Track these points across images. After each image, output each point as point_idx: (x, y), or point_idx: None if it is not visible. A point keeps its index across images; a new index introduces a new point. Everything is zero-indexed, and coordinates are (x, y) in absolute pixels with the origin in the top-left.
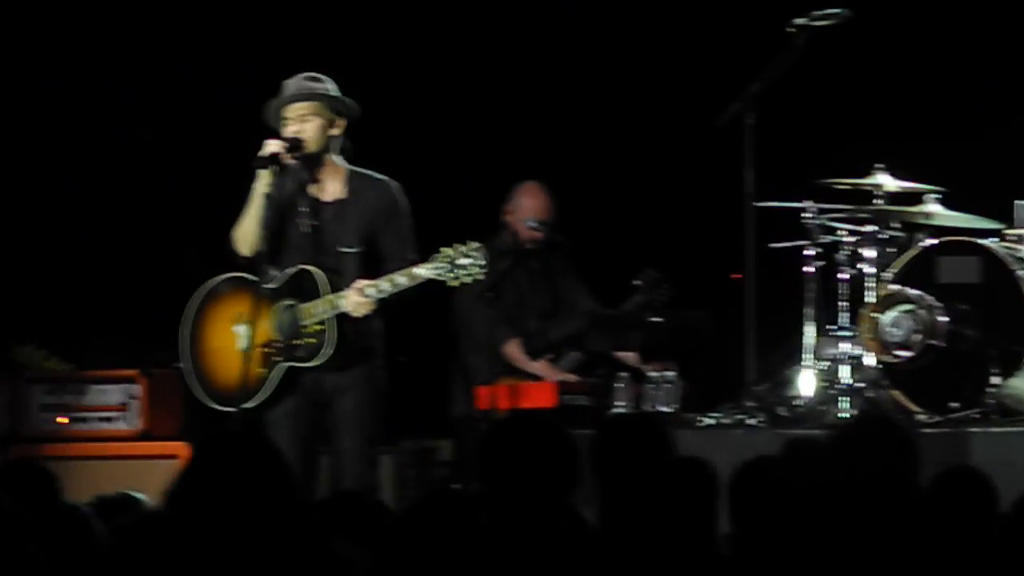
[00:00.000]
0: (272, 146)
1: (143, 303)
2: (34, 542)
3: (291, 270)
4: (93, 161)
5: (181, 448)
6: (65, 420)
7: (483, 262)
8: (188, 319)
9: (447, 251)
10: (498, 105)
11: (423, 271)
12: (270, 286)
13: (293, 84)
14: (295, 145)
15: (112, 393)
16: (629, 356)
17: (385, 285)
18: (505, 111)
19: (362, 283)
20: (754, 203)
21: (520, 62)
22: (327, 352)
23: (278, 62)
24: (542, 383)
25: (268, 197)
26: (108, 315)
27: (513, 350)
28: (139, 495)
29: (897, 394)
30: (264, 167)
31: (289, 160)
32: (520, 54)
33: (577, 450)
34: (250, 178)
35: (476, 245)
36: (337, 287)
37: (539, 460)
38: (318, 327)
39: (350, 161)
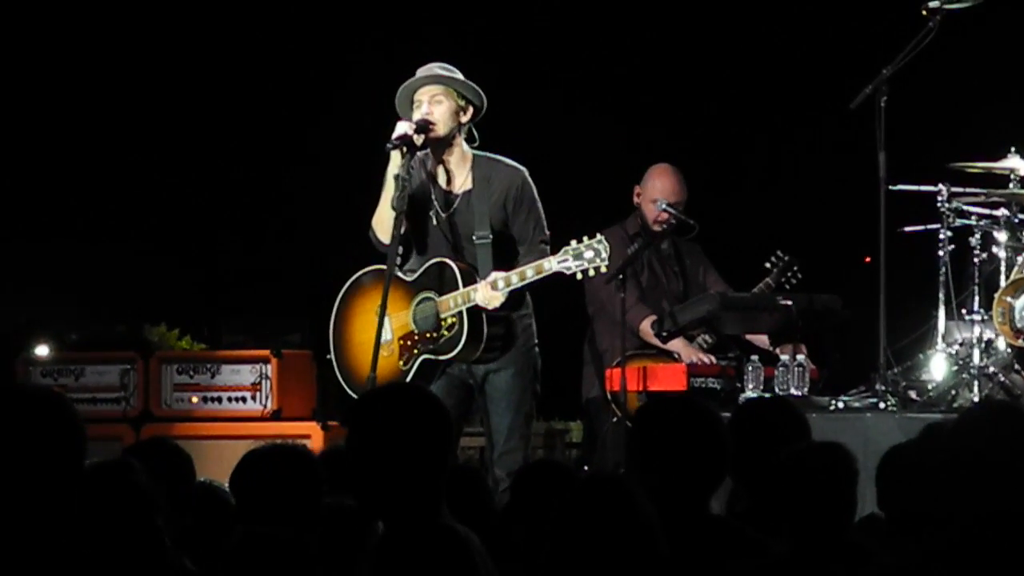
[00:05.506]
0: (402, 127)
1: (274, 284)
2: (162, 517)
3: (430, 262)
4: (226, 144)
5: (312, 428)
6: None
7: (605, 254)
8: (335, 312)
9: (573, 244)
10: (631, 88)
11: (550, 264)
12: (409, 278)
13: (425, 69)
14: (424, 126)
15: (244, 373)
16: (760, 339)
17: (515, 278)
18: (638, 93)
19: (494, 276)
20: (887, 186)
21: (653, 42)
22: (463, 344)
23: (405, 52)
24: (673, 365)
25: (399, 178)
26: (239, 296)
27: (649, 327)
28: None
29: None
30: (395, 148)
31: (419, 140)
32: (651, 33)
33: (728, 433)
34: (384, 164)
35: (599, 238)
36: (472, 278)
37: (692, 444)
38: (454, 320)
39: (477, 149)
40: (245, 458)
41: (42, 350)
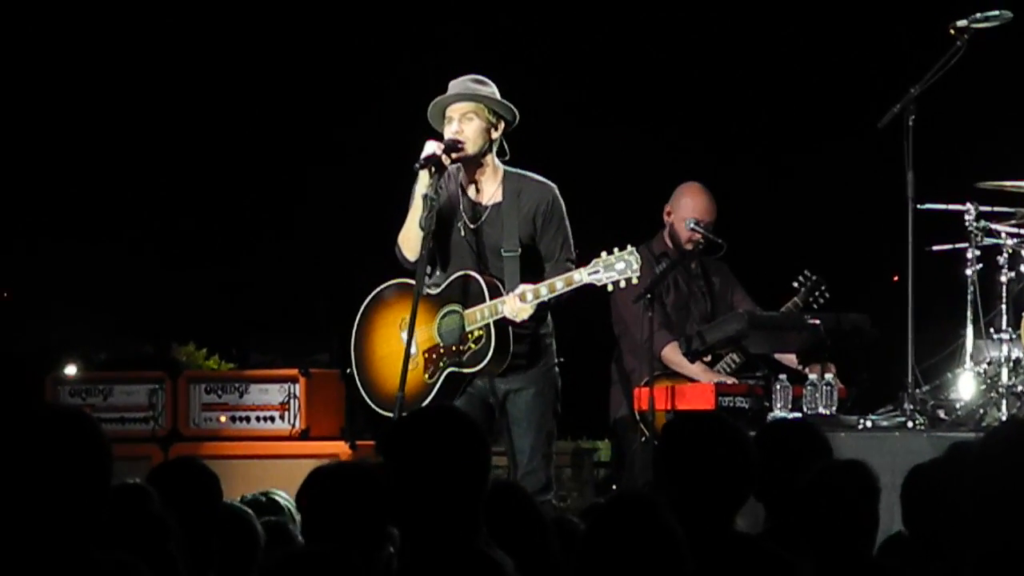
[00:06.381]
0: (431, 147)
1: (302, 303)
2: (175, 543)
3: (455, 275)
4: (254, 163)
5: (340, 448)
6: (225, 419)
7: (636, 266)
8: (356, 326)
9: (604, 256)
10: (658, 105)
11: (580, 276)
12: (434, 291)
13: (457, 84)
14: (453, 146)
15: (272, 393)
16: (788, 358)
17: (544, 290)
18: (665, 111)
19: (522, 288)
20: (915, 205)
21: (681, 60)
22: (490, 357)
23: (435, 66)
24: (701, 384)
25: (427, 198)
26: (267, 315)
27: (671, 353)
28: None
29: None
30: (423, 168)
31: (447, 161)
32: (682, 52)
33: (754, 452)
34: (411, 180)
35: (630, 249)
36: (499, 291)
37: (717, 462)
38: (480, 332)
39: (507, 164)
40: (312, 475)
41: (71, 369)
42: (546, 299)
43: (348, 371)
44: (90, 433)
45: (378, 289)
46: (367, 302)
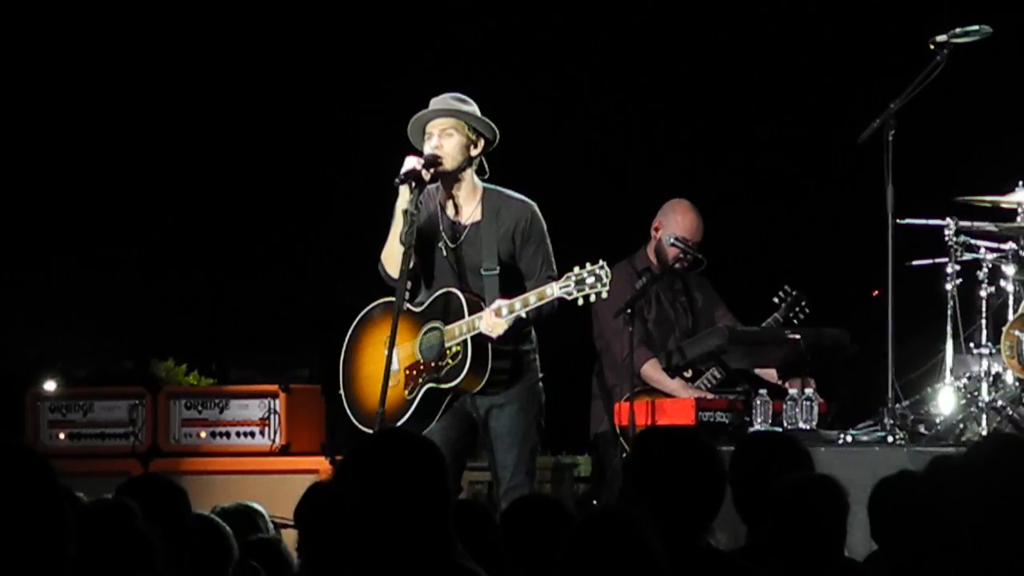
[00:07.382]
0: (410, 162)
1: (283, 318)
2: (161, 560)
3: (438, 292)
4: (235, 178)
5: (321, 463)
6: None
7: (607, 280)
8: (345, 345)
9: (575, 270)
10: (639, 120)
11: (552, 290)
12: (417, 309)
13: (438, 101)
14: (432, 161)
15: (252, 408)
16: (768, 373)
17: (519, 305)
18: (645, 126)
19: (498, 303)
20: (895, 220)
21: (663, 74)
22: (466, 373)
23: (422, 85)
24: (681, 400)
25: (407, 213)
26: (248, 331)
27: (650, 370)
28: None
29: None
30: (403, 183)
31: (427, 175)
32: (664, 67)
33: (724, 467)
34: (393, 198)
35: (601, 263)
36: (479, 308)
37: (685, 476)
38: (458, 348)
39: (489, 180)
40: (310, 491)
41: (50, 386)
42: (522, 314)
43: (339, 392)
44: (40, 474)
45: (367, 308)
46: (356, 321)
